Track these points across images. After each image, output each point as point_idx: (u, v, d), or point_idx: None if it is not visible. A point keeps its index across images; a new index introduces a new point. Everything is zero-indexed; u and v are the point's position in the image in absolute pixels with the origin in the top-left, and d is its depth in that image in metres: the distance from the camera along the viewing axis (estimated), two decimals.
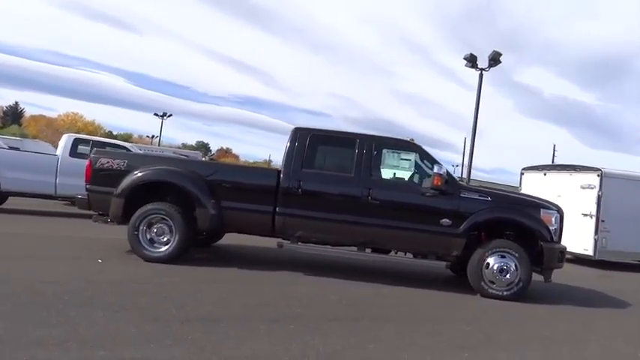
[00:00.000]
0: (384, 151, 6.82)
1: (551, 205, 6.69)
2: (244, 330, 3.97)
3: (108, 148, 9.27)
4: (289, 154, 6.67)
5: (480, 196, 6.49)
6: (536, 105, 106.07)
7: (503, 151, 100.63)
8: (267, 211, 6.54)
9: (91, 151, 7.82)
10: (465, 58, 21.32)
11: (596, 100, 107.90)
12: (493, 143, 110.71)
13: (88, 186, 6.80)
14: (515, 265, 6.28)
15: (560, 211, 6.67)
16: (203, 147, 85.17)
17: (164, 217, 6.44)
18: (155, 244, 6.48)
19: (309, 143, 6.73)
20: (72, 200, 9.73)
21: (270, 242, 6.95)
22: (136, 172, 6.57)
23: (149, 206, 6.46)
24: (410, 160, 6.81)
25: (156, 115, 54.90)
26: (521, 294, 6.30)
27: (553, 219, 6.50)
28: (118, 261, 6.25)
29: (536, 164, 13.86)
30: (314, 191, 6.58)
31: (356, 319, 4.78)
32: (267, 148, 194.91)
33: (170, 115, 54.81)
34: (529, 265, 6.32)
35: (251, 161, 73.25)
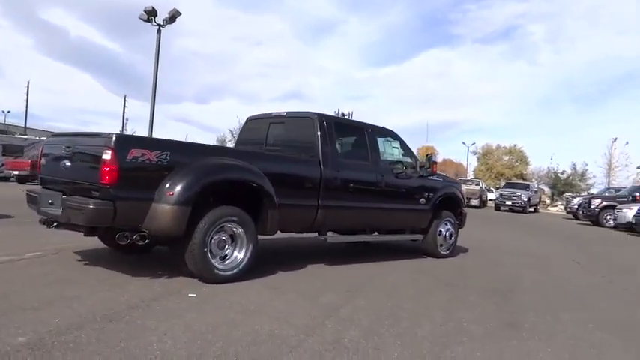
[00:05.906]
0: (382, 139, 7.33)
1: (460, 182, 8.95)
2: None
3: None
4: (324, 142, 6.27)
5: (437, 177, 8.03)
6: (61, 47, 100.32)
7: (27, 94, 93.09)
8: (312, 205, 6.09)
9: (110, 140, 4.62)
10: (145, 11, 20.29)
11: (120, 49, 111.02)
12: (17, 84, 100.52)
13: (112, 191, 4.42)
14: (454, 229, 8.27)
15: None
16: None
17: (233, 224, 5.08)
18: (214, 260, 5.03)
19: (334, 131, 6.52)
20: None
21: None
22: (192, 170, 4.78)
23: (217, 212, 4.93)
24: (398, 147, 7.58)
25: None
26: (454, 250, 8.38)
27: (464, 191, 8.81)
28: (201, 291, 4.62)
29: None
30: (349, 180, 6.50)
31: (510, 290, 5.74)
32: None
33: None
34: (457, 227, 8.43)
35: None
